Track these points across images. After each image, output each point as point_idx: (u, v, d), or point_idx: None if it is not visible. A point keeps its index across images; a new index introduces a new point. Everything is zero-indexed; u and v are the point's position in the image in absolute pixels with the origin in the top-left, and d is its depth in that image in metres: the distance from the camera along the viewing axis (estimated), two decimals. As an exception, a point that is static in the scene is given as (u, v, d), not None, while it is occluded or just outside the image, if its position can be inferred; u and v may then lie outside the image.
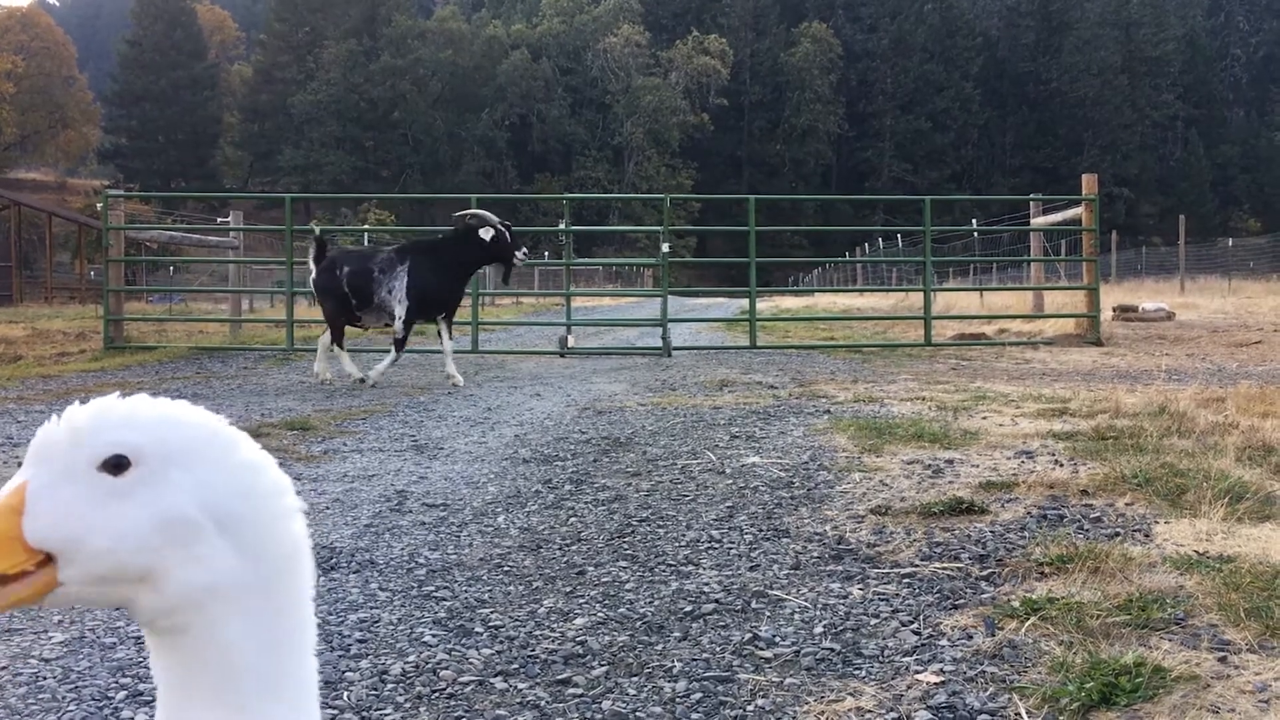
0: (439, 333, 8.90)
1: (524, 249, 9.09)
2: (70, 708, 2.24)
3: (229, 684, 0.79)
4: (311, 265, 8.88)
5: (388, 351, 9.09)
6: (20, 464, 0.81)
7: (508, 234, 8.80)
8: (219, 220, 19.16)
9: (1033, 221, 14.09)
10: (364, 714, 2.20)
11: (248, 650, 0.80)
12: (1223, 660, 2.25)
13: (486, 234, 8.75)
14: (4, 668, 2.47)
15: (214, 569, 0.78)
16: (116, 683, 2.38)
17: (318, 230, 9.12)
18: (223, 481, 0.79)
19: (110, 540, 0.76)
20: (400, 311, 8.67)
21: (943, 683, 2.26)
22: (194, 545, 0.78)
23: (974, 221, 22.27)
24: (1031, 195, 14.68)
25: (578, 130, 76.65)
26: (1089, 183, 12.67)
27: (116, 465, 0.77)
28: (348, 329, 9.10)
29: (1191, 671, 2.18)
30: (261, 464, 0.82)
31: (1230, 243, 40.41)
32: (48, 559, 0.77)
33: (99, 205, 13.02)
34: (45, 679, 2.40)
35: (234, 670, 0.79)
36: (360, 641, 2.62)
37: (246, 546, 0.79)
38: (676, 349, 11.97)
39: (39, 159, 69.89)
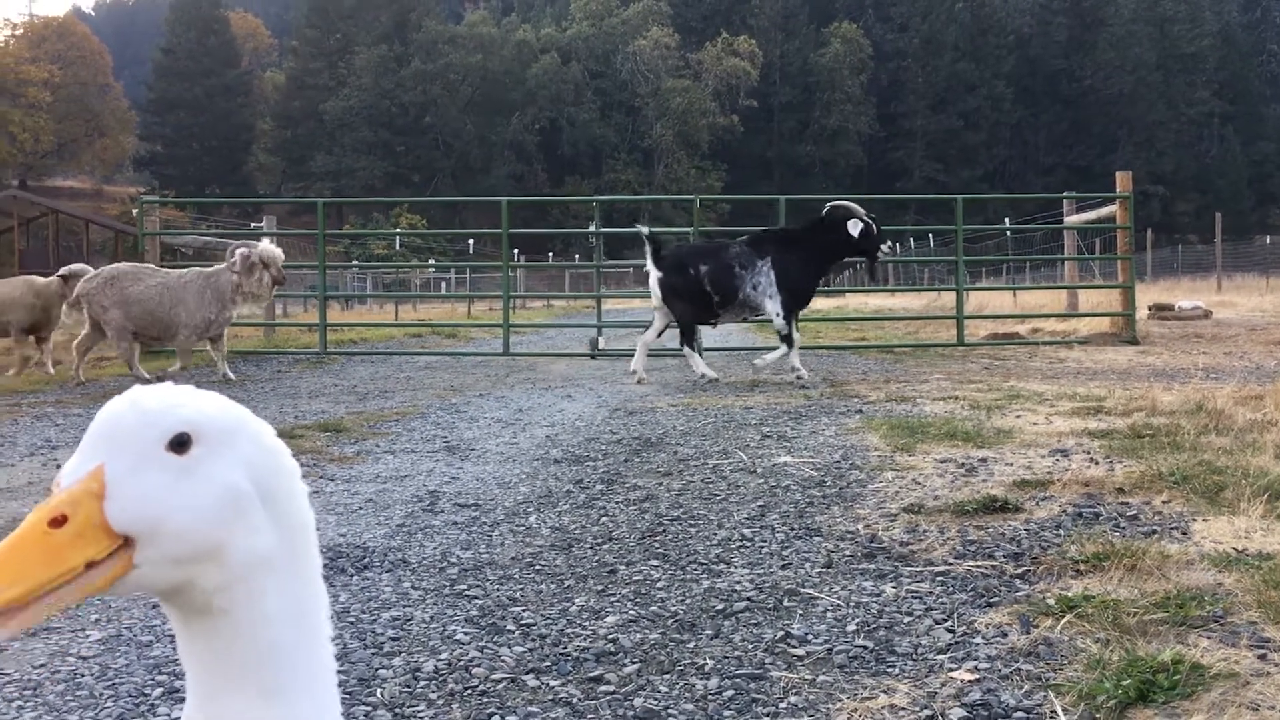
0: (782, 331, 8.66)
1: (890, 242, 8.94)
2: (108, 704, 2.27)
3: (263, 664, 0.82)
4: (651, 267, 8.76)
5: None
6: (74, 452, 0.82)
7: (875, 227, 8.58)
8: (252, 225, 19.33)
9: (1066, 220, 13.97)
10: (397, 710, 2.21)
11: (281, 625, 0.82)
12: (1262, 658, 2.22)
13: (855, 227, 8.49)
14: (43, 665, 2.50)
15: (264, 540, 0.82)
16: (153, 679, 2.40)
17: (646, 231, 8.94)
18: (264, 458, 0.83)
19: (190, 518, 0.78)
20: (775, 306, 8.46)
21: (977, 680, 2.24)
22: (249, 516, 0.81)
23: (1007, 220, 22.13)
24: (1065, 193, 14.55)
25: (607, 133, 76.73)
26: (1123, 180, 12.55)
27: (180, 444, 0.79)
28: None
29: (1230, 669, 2.15)
30: (284, 448, 0.86)
31: (1268, 240, 39.92)
32: (124, 543, 0.77)
33: (135, 212, 13.17)
34: (83, 676, 2.43)
35: (268, 648, 0.82)
36: (393, 639, 2.63)
37: (280, 519, 0.83)
38: (707, 350, 11.94)
39: (76, 167, 70.75)
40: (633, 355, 9.50)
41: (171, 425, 0.79)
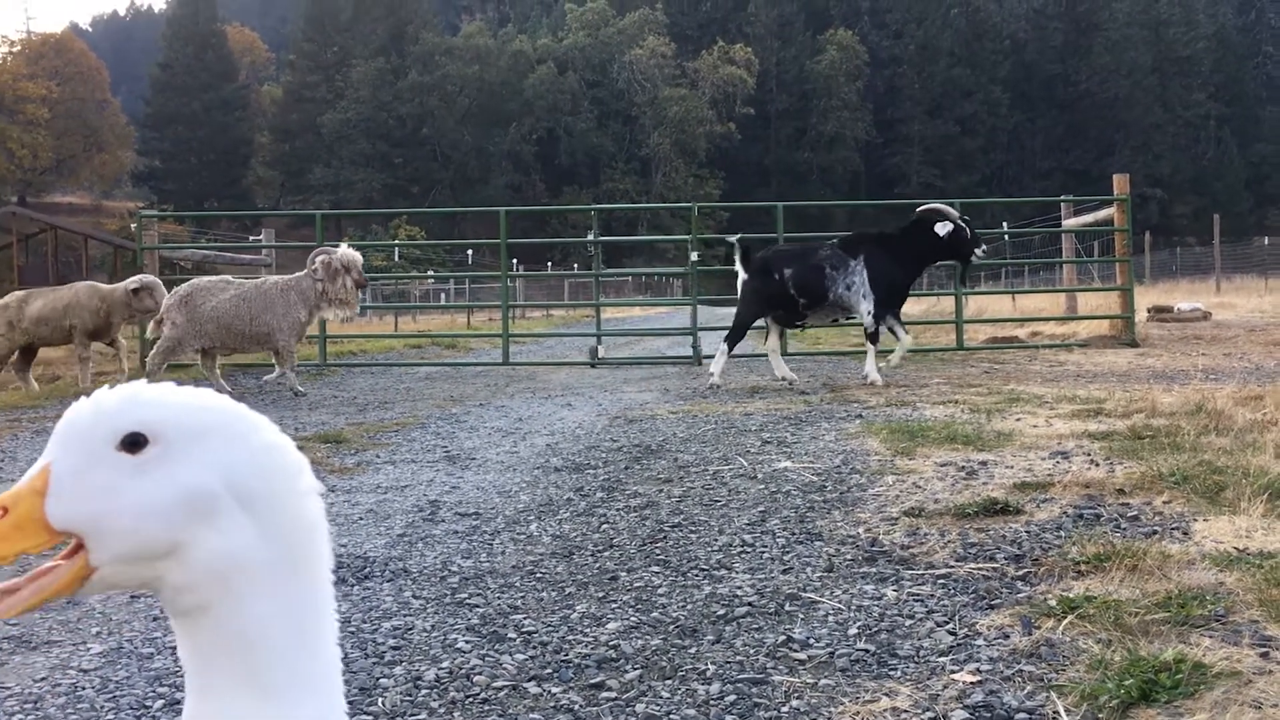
0: (891, 330, 8.61)
1: (984, 246, 8.79)
2: (108, 717, 2.26)
3: (255, 666, 0.81)
4: (740, 271, 8.72)
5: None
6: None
7: (968, 230, 8.49)
8: (251, 239, 19.34)
9: (1064, 223, 13.98)
10: (399, 719, 2.20)
11: (272, 630, 0.81)
12: (1264, 656, 2.22)
13: (943, 229, 8.40)
14: (44, 679, 2.50)
15: (236, 542, 0.80)
16: (154, 692, 2.40)
17: (737, 237, 8.95)
18: (244, 460, 0.82)
19: (134, 517, 0.78)
20: (868, 305, 8.39)
21: (979, 682, 2.24)
22: (216, 519, 0.80)
23: (1004, 224, 22.14)
24: (1063, 197, 14.57)
25: (605, 142, 76.78)
26: (1120, 183, 12.56)
27: (133, 444, 0.79)
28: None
29: (1233, 668, 2.15)
30: (282, 445, 0.85)
31: (1266, 241, 39.93)
32: (77, 547, 0.78)
33: (134, 226, 13.19)
34: (84, 689, 2.43)
35: (259, 651, 0.81)
36: (394, 648, 2.63)
37: (267, 523, 0.82)
38: (707, 357, 11.94)
39: (74, 182, 70.82)
40: (632, 363, 9.52)
41: (123, 425, 0.79)
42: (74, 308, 9.81)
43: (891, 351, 8.78)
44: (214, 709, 0.81)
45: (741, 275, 8.73)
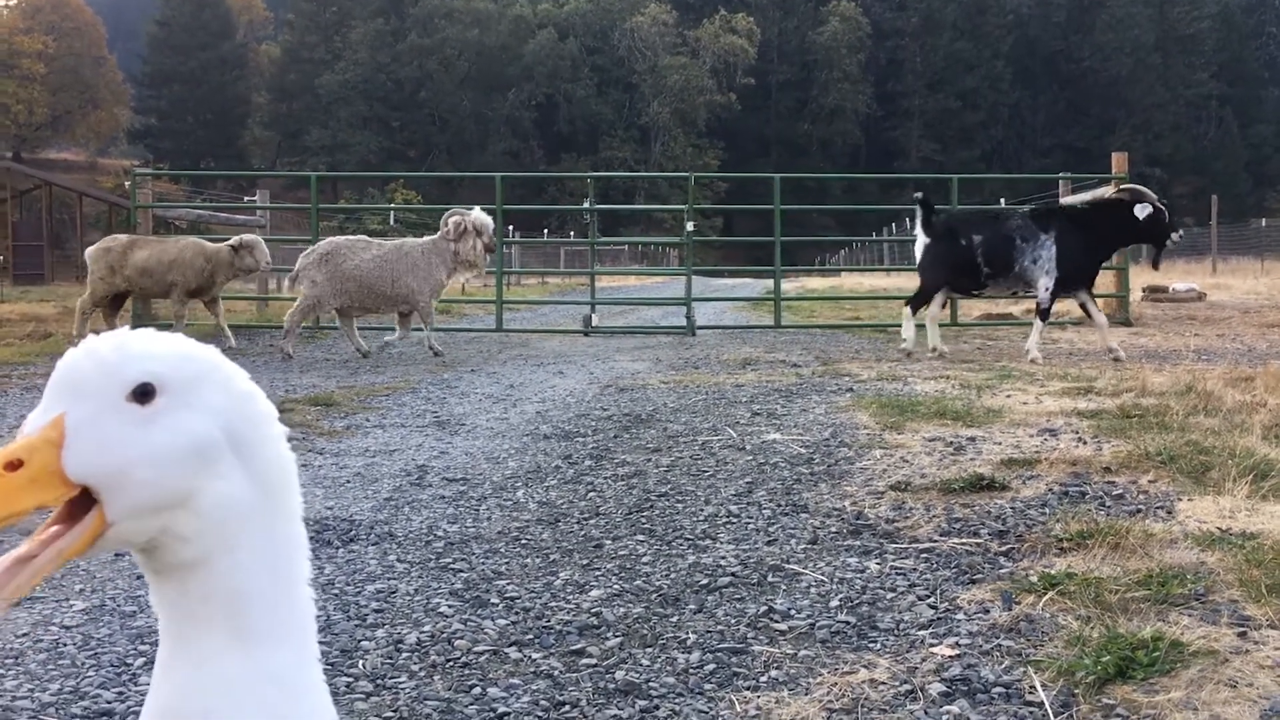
0: (1083, 306, 8.44)
1: (1180, 231, 8.55)
2: (89, 673, 2.27)
3: (236, 613, 0.82)
4: (920, 232, 8.50)
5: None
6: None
7: (1165, 214, 8.22)
8: (246, 199, 19.26)
9: (1062, 200, 13.93)
10: (379, 682, 2.21)
11: (254, 572, 0.82)
12: (1242, 635, 2.23)
13: (1142, 211, 8.11)
14: (25, 635, 2.50)
15: (235, 488, 0.82)
16: (135, 649, 2.40)
17: (920, 195, 8.65)
18: (232, 406, 0.83)
19: (152, 467, 0.78)
20: (1047, 282, 8.15)
21: (958, 655, 2.25)
22: (218, 465, 0.81)
23: (1002, 201, 22.07)
24: (1061, 174, 14.53)
25: (604, 110, 76.40)
26: (1119, 161, 12.53)
27: (144, 394, 0.79)
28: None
29: (1210, 646, 2.16)
30: (256, 393, 0.86)
31: (1264, 223, 39.87)
32: (89, 503, 0.78)
33: (128, 184, 13.13)
34: (65, 645, 2.43)
35: (241, 598, 0.82)
36: (377, 611, 2.64)
37: (253, 468, 0.83)
38: (701, 328, 11.95)
39: (70, 139, 70.32)
40: (626, 332, 9.49)
41: (135, 376, 0.79)
42: (179, 264, 9.83)
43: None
44: (192, 656, 0.82)
45: (922, 238, 8.49)
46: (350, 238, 9.60)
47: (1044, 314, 8.32)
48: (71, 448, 0.77)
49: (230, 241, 10.00)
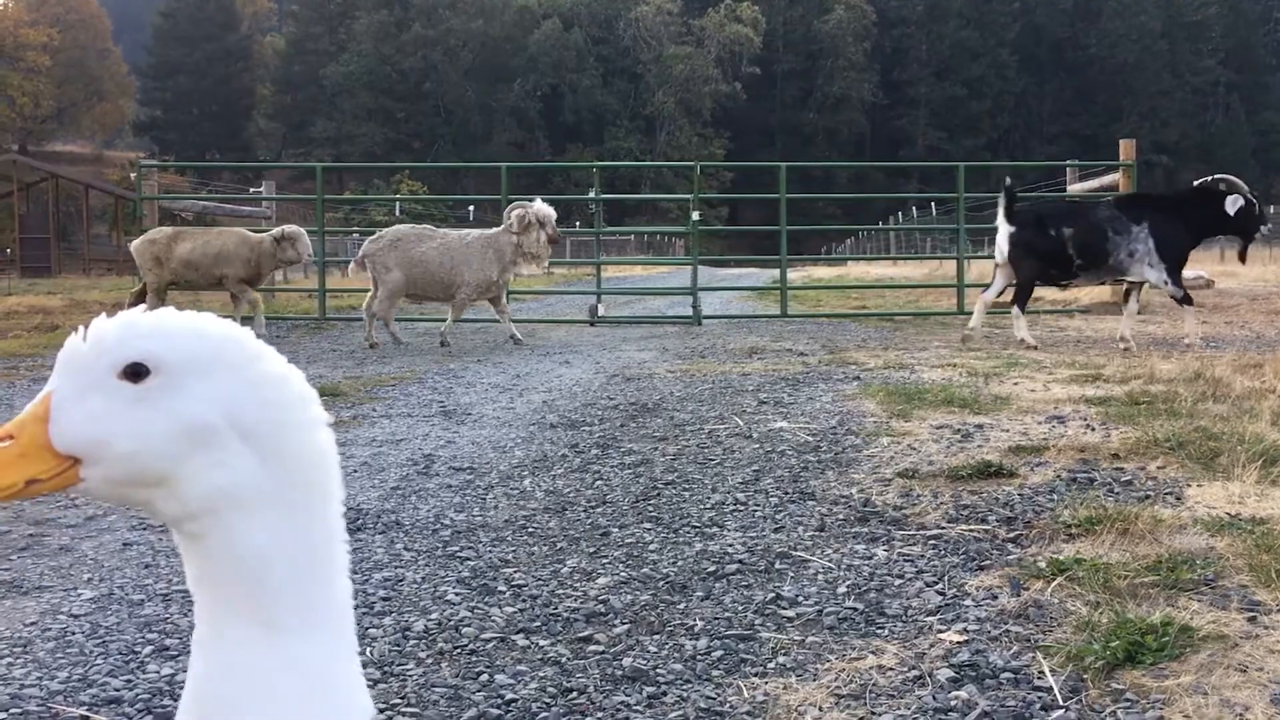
0: (1128, 294, 8.35)
1: (1267, 224, 8.48)
2: (98, 661, 2.27)
3: (259, 598, 0.81)
4: (1003, 222, 8.34)
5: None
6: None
7: (1256, 206, 8.10)
8: (252, 191, 19.26)
9: (1069, 188, 13.90)
10: (386, 669, 2.21)
11: (276, 562, 0.81)
12: (1252, 620, 2.22)
13: (1234, 204, 7.95)
14: (34, 623, 2.51)
15: (234, 475, 0.80)
16: (143, 638, 2.40)
17: (1008, 181, 8.53)
18: (245, 391, 0.81)
19: (133, 444, 0.78)
20: (1160, 275, 7.96)
21: (966, 641, 2.24)
22: (214, 451, 0.79)
23: (1009, 189, 22.02)
24: (1068, 161, 14.48)
25: (609, 100, 76.25)
26: (1126, 148, 12.47)
27: (135, 373, 0.79)
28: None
29: (1220, 631, 2.15)
30: (286, 375, 0.83)
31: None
32: (75, 461, 0.79)
33: (134, 176, 13.13)
34: (74, 634, 2.43)
35: (263, 583, 0.81)
36: (384, 599, 2.64)
37: (270, 455, 0.81)
38: (707, 317, 11.93)
39: (75, 132, 70.36)
40: (632, 322, 9.48)
41: (126, 355, 0.79)
42: (224, 257, 9.86)
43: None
44: (219, 636, 0.81)
45: (1005, 227, 8.32)
46: (415, 225, 9.73)
47: (1186, 299, 8.13)
48: (56, 421, 0.78)
49: (273, 232, 10.02)
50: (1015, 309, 8.40)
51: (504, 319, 9.64)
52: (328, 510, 0.84)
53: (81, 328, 0.81)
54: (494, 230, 9.41)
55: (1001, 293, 8.73)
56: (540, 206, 9.20)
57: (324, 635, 0.83)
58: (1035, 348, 7.88)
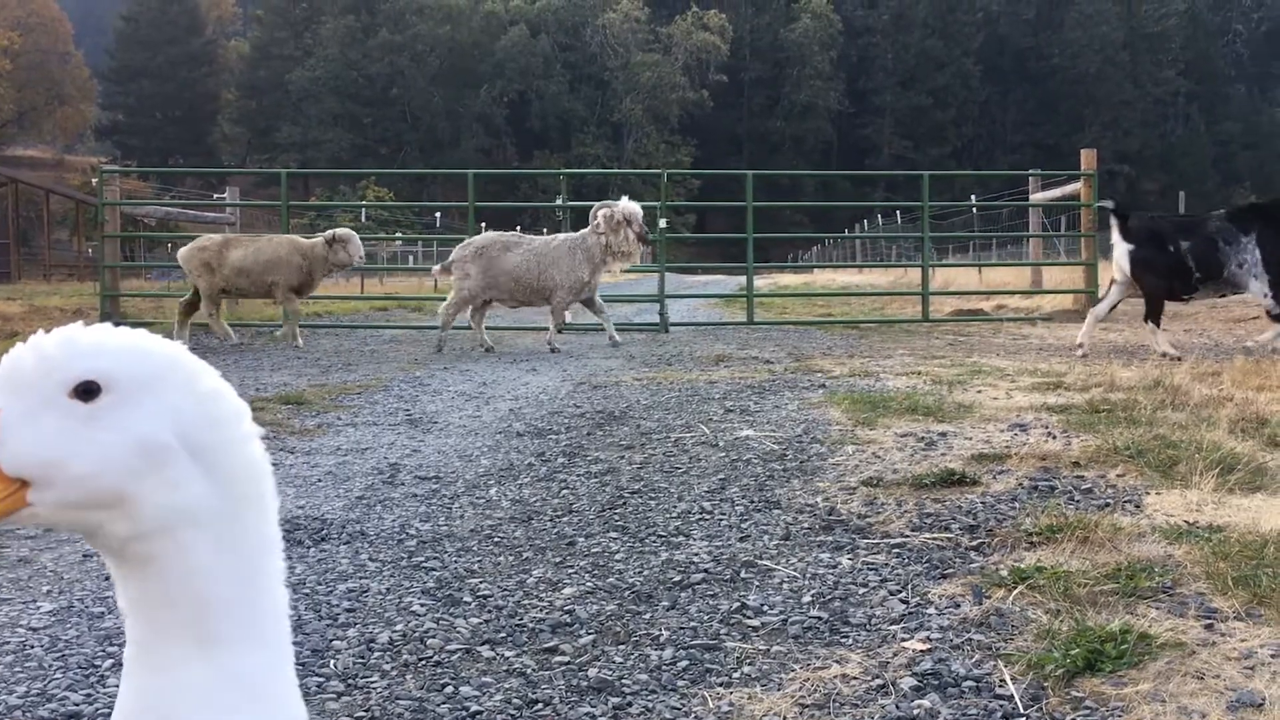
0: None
1: None
2: (56, 675, 2.25)
3: (200, 617, 0.80)
4: (1120, 240, 8.22)
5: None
6: None
7: None
8: (216, 197, 19.10)
9: (1031, 197, 14.05)
10: (350, 681, 2.20)
11: (218, 578, 0.80)
12: (1209, 628, 2.25)
13: None
14: (-8, 637, 2.47)
15: (187, 493, 0.79)
16: (104, 651, 2.38)
17: (1111, 204, 8.46)
18: (191, 407, 0.80)
19: (88, 465, 0.76)
20: (1262, 286, 7.84)
21: (929, 650, 2.26)
22: (167, 470, 0.78)
23: (973, 197, 22.24)
24: (1031, 171, 14.64)
25: (576, 107, 76.29)
26: (1088, 158, 12.63)
27: (87, 392, 0.77)
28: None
29: (1177, 639, 2.18)
30: (223, 391, 0.83)
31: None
32: (22, 485, 0.77)
33: (95, 182, 13.00)
34: (32, 647, 2.41)
35: (205, 602, 0.80)
36: (349, 611, 2.62)
37: (215, 471, 0.80)
38: (674, 325, 11.96)
39: (36, 136, 69.50)
40: (598, 329, 9.45)
41: (78, 372, 0.77)
42: (276, 264, 9.75)
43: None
44: (156, 661, 0.80)
45: (1123, 245, 8.22)
46: (503, 233, 9.73)
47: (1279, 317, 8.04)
48: (6, 444, 0.76)
49: (325, 235, 9.92)
50: (1150, 325, 8.24)
51: (604, 321, 9.69)
52: (264, 522, 0.84)
53: (20, 344, 0.80)
54: (581, 232, 9.42)
55: (1114, 307, 8.67)
56: (627, 205, 9.21)
57: (262, 647, 0.83)
58: (1179, 359, 7.61)
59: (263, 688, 0.82)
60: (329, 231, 9.97)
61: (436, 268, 9.87)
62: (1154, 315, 8.21)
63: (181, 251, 10.02)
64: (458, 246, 9.53)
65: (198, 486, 0.80)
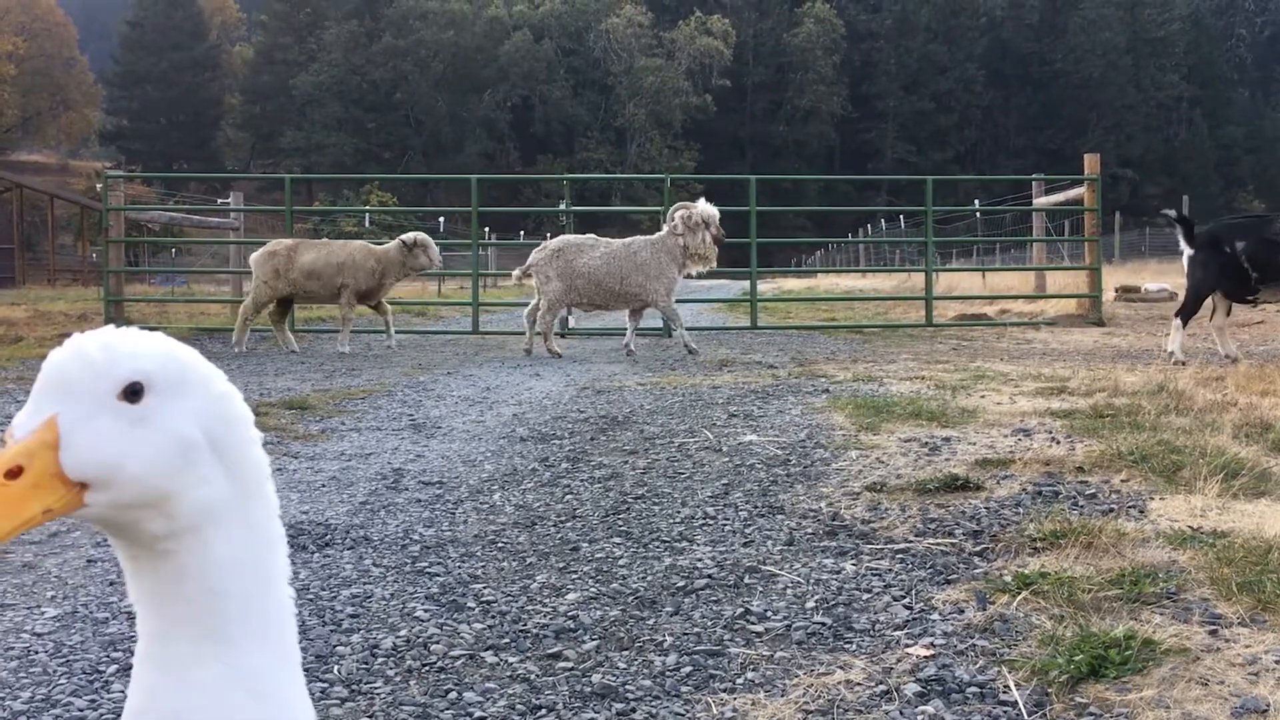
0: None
1: None
2: (61, 680, 2.25)
3: (213, 612, 0.82)
4: (1185, 246, 8.27)
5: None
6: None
7: None
8: (220, 201, 19.13)
9: (1035, 202, 14.05)
10: (354, 687, 2.20)
11: (231, 572, 0.82)
12: (1213, 634, 2.25)
13: None
14: (-4, 642, 2.48)
15: (213, 490, 0.82)
16: (108, 656, 2.38)
17: (1174, 214, 8.48)
18: (211, 408, 0.83)
19: (142, 466, 0.78)
20: None
21: (933, 656, 2.26)
22: (200, 467, 0.81)
23: (976, 202, 22.24)
24: (1034, 175, 14.64)
25: (580, 112, 76.35)
26: (1091, 162, 12.62)
27: (133, 393, 0.79)
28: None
29: (1182, 644, 2.18)
30: (234, 393, 0.86)
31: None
32: (82, 487, 0.78)
33: (99, 187, 13.02)
34: (37, 653, 2.41)
35: (217, 594, 0.82)
36: (352, 616, 2.62)
37: (233, 468, 0.83)
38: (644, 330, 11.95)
39: (41, 141, 69.72)
40: (602, 334, 9.47)
41: (125, 374, 0.79)
42: (349, 267, 9.73)
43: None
44: (166, 657, 0.82)
45: (1186, 251, 8.29)
46: (581, 236, 9.66)
47: None
48: (68, 448, 0.77)
49: (403, 238, 9.91)
50: (1177, 320, 8.27)
51: (631, 329, 9.62)
52: (270, 519, 0.87)
53: (57, 349, 0.81)
54: (659, 234, 9.38)
55: (1228, 311, 8.62)
56: (705, 207, 9.17)
57: (270, 645, 0.85)
58: (1183, 364, 7.68)
59: (270, 687, 0.84)
60: (408, 235, 9.95)
61: (517, 271, 9.80)
62: (1185, 313, 8.22)
63: (253, 257, 9.98)
64: (535, 250, 9.48)
65: (220, 483, 0.82)
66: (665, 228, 9.34)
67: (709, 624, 2.51)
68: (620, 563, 3.03)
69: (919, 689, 2.10)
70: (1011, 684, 2.09)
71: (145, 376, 0.79)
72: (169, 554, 0.81)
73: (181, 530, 0.81)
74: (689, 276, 9.71)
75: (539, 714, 2.07)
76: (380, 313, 10.37)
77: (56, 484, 0.77)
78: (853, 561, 2.96)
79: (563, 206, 13.20)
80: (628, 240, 9.51)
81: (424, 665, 2.31)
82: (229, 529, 0.82)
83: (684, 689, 2.16)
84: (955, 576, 2.78)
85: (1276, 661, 2.10)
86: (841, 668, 2.23)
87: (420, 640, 2.45)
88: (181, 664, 0.81)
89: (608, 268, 9.15)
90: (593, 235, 9.73)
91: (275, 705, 0.84)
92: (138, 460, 0.78)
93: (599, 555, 3.10)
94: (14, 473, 0.76)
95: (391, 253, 9.81)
